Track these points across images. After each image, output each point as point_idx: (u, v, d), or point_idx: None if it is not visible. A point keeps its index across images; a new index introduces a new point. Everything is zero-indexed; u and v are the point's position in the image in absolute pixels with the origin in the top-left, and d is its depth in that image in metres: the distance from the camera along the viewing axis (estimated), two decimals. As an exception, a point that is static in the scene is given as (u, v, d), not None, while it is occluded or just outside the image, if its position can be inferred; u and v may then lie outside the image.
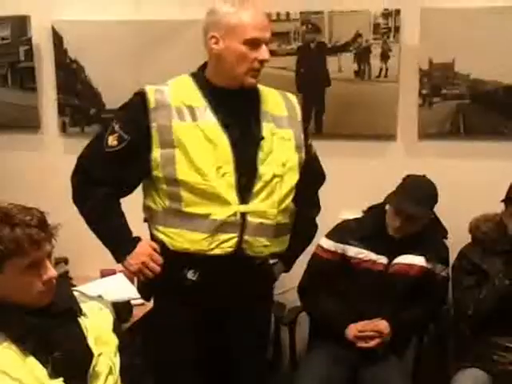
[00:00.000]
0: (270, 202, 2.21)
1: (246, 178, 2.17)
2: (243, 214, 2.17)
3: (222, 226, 2.15)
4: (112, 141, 2.20)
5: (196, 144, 2.15)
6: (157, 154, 2.17)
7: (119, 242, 2.27)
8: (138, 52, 3.28)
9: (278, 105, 2.31)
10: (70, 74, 3.41)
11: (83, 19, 3.31)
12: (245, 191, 2.17)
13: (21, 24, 3.39)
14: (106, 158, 2.22)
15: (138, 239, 2.28)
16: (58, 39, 3.37)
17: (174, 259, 2.21)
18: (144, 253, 2.24)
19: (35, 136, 3.54)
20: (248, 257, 2.22)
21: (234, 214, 2.16)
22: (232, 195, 2.15)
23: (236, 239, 2.17)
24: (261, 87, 2.31)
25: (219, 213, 2.15)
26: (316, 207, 2.48)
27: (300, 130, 2.33)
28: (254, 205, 2.18)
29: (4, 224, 1.68)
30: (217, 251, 2.17)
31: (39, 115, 3.51)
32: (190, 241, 2.17)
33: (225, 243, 2.17)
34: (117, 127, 2.21)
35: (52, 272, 1.76)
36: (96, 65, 3.36)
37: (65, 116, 3.47)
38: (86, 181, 2.27)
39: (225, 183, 2.15)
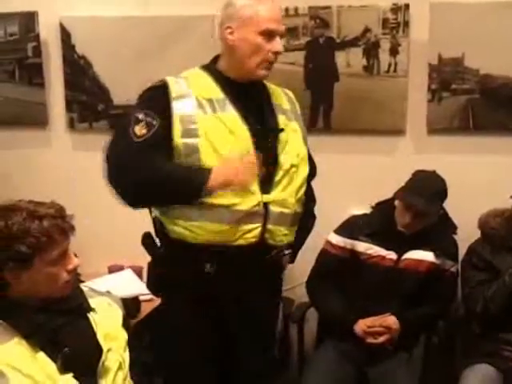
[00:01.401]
0: (289, 191, 2.25)
1: (267, 168, 2.20)
2: (265, 204, 2.19)
3: (246, 217, 2.16)
4: (140, 130, 2.14)
5: (218, 135, 2.15)
6: (178, 143, 2.15)
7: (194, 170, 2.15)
8: (146, 48, 3.26)
9: (283, 99, 2.37)
10: (77, 70, 3.40)
11: (91, 15, 3.30)
12: (266, 181, 2.20)
13: (28, 20, 3.39)
14: (139, 149, 2.13)
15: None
16: (65, 35, 3.36)
17: (192, 253, 2.20)
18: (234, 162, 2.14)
19: (43, 132, 3.54)
20: (269, 246, 2.23)
21: (258, 204, 2.17)
22: (254, 185, 2.17)
23: (259, 229, 2.19)
24: (265, 82, 2.33)
25: (243, 203, 2.16)
26: (313, 198, 2.51)
27: (302, 123, 2.39)
28: (276, 194, 2.21)
29: (31, 218, 1.69)
30: (240, 242, 2.18)
31: (47, 111, 3.50)
32: (213, 232, 2.17)
33: (248, 233, 2.18)
34: (141, 116, 2.15)
35: (76, 261, 1.79)
36: (104, 61, 3.36)
37: (73, 112, 3.46)
38: (125, 172, 2.15)
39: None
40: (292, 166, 2.25)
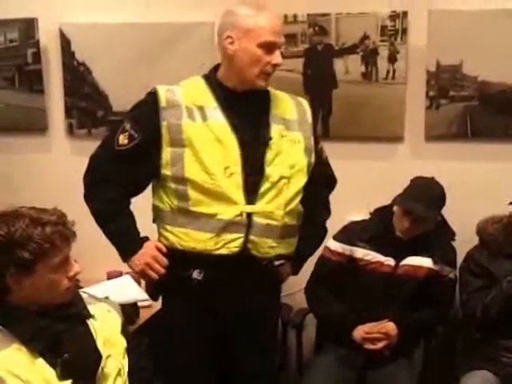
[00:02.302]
0: (277, 204, 2.22)
1: (253, 179, 2.19)
2: (249, 215, 2.18)
3: (228, 226, 2.17)
4: (122, 140, 2.23)
5: (205, 144, 2.17)
6: (166, 152, 2.19)
7: (126, 242, 2.29)
8: (146, 54, 3.27)
9: (289, 108, 2.33)
10: (77, 76, 3.41)
11: (91, 22, 3.31)
12: (251, 192, 2.19)
13: (28, 27, 3.40)
14: (117, 157, 2.24)
15: (145, 239, 2.30)
16: (65, 42, 3.37)
17: (180, 259, 2.22)
18: (149, 254, 2.26)
19: (42, 138, 3.55)
20: (254, 257, 2.23)
21: (240, 214, 2.17)
22: (239, 195, 2.17)
23: (242, 239, 2.19)
24: (272, 90, 2.33)
25: (225, 213, 2.16)
26: (327, 211, 2.50)
27: (310, 134, 2.36)
28: (261, 205, 2.20)
29: (34, 225, 1.70)
30: (223, 251, 2.18)
31: (46, 117, 3.51)
32: (197, 240, 2.19)
33: (231, 243, 2.18)
34: (128, 126, 2.23)
35: (77, 268, 1.79)
36: (103, 67, 3.37)
37: (72, 118, 3.47)
38: (96, 180, 2.29)
39: (232, 183, 2.16)
40: (282, 177, 2.22)
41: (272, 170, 2.21)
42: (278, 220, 2.23)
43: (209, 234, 2.18)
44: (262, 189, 2.20)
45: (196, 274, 2.22)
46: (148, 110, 2.23)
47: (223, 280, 2.20)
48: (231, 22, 2.18)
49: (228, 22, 2.20)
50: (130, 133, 2.22)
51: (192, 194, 2.18)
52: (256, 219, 2.19)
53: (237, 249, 2.19)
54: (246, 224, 2.18)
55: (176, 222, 2.22)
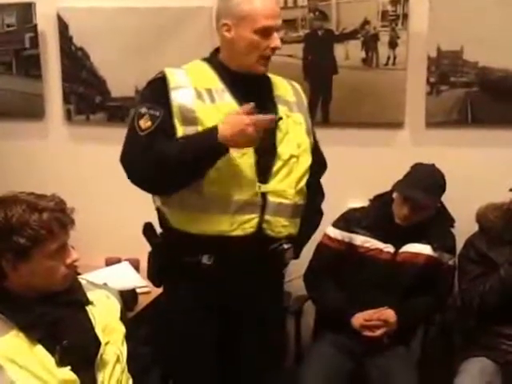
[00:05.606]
0: (289, 182, 2.23)
1: (265, 158, 2.19)
2: (263, 194, 2.18)
3: (244, 207, 2.16)
4: (144, 123, 2.14)
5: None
6: (179, 132, 2.15)
7: (201, 136, 2.13)
8: (145, 40, 3.25)
9: (288, 91, 2.35)
10: (75, 61, 3.39)
11: (89, 6, 3.28)
12: (264, 171, 2.19)
13: (26, 11, 3.37)
14: (147, 142, 2.14)
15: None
16: (63, 26, 3.35)
17: (190, 244, 2.20)
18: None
19: (40, 124, 3.52)
20: (267, 238, 2.22)
21: (255, 194, 2.17)
22: (252, 175, 2.17)
23: (257, 219, 2.18)
24: (269, 74, 2.33)
25: (240, 193, 2.15)
26: (321, 194, 2.50)
27: (307, 116, 2.38)
28: (274, 184, 2.20)
29: (31, 211, 1.69)
30: (238, 232, 2.17)
31: (44, 103, 3.48)
32: (211, 222, 2.16)
33: (246, 224, 2.17)
34: (143, 110, 2.16)
35: (75, 255, 1.79)
36: (102, 52, 3.34)
37: (70, 104, 3.45)
38: (139, 175, 2.17)
39: (245, 163, 2.15)
40: (292, 156, 2.23)
41: (283, 149, 2.22)
42: (290, 199, 2.24)
43: (224, 216, 2.16)
44: (275, 168, 2.21)
45: (206, 260, 2.20)
46: (159, 91, 2.17)
47: (233, 265, 2.19)
48: (226, 8, 2.18)
49: (223, 9, 2.19)
50: (149, 114, 2.14)
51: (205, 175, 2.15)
52: (270, 198, 2.20)
53: (252, 229, 2.19)
54: (261, 204, 2.18)
55: (187, 205, 2.19)
